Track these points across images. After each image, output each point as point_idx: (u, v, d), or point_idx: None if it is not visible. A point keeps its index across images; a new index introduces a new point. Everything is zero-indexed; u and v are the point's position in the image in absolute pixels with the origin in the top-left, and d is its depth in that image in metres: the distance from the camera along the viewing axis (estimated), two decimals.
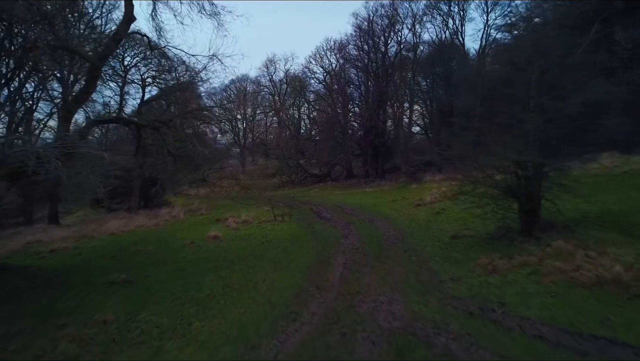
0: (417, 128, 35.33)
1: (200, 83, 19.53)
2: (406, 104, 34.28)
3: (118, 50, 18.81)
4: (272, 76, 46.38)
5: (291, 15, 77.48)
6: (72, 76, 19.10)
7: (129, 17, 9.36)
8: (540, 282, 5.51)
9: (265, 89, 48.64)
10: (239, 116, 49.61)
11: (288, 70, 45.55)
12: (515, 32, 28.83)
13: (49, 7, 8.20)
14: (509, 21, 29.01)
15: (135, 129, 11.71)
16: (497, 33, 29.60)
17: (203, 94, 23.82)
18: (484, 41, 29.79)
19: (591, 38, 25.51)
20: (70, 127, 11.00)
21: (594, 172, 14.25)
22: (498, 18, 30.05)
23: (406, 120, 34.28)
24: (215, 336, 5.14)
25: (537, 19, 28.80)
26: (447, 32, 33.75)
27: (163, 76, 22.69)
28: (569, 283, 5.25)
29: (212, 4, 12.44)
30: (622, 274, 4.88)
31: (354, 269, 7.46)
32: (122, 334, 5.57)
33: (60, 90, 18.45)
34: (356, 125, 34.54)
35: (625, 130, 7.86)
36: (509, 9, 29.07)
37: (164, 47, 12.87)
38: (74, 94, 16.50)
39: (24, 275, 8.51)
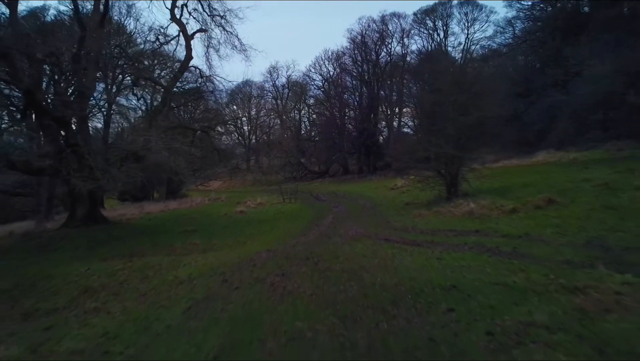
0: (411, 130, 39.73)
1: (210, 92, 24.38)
2: (397, 108, 38.89)
3: (149, 66, 23.49)
4: (275, 82, 50.95)
5: (292, 16, 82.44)
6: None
7: (189, 56, 13.87)
8: (438, 218, 9.97)
9: (269, 94, 53.11)
10: (244, 118, 54.00)
11: (290, 76, 50.06)
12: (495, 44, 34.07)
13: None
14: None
15: (192, 132, 16.16)
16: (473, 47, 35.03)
17: (211, 99, 28.75)
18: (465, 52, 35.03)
19: (548, 53, 30.33)
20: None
21: (527, 164, 18.75)
22: (477, 32, 35.78)
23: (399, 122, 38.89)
24: (260, 245, 9.57)
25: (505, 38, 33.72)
26: (432, 43, 38.73)
27: (187, 86, 27.36)
28: (451, 216, 9.71)
29: (242, 43, 16.98)
30: (474, 209, 9.35)
31: (339, 220, 11.92)
32: (207, 247, 10.03)
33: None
34: (351, 127, 38.88)
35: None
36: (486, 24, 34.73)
37: (212, 75, 17.21)
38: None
39: (124, 227, 12.97)
